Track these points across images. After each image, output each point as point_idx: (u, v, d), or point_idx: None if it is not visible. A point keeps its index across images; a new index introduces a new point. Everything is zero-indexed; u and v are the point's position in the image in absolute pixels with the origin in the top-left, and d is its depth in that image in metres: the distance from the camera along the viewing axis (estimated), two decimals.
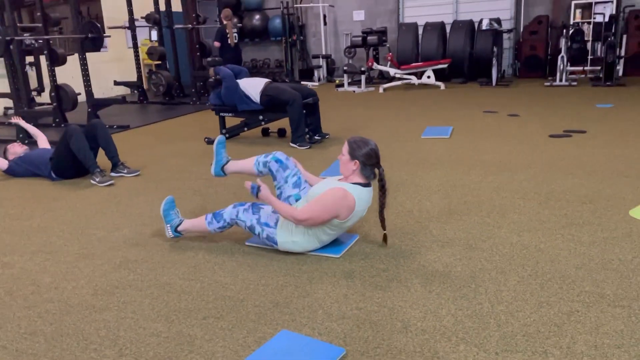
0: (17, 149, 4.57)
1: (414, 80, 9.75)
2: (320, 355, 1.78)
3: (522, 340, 1.82)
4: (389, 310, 2.06)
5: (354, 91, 9.78)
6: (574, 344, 1.78)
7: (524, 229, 2.81)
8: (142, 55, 9.84)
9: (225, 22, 8.57)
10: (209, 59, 5.64)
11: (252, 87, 5.27)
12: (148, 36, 10.46)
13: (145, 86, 9.44)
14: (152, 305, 2.20)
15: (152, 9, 9.14)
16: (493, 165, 4.09)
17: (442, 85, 9.51)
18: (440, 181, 3.77)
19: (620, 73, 9.17)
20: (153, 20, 9.01)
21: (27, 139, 5.80)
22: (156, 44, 9.68)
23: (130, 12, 8.90)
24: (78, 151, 4.13)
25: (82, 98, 6.89)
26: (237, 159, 3.03)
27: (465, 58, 10.07)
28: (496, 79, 9.44)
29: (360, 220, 2.91)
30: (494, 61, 9.42)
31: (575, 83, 8.86)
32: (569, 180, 3.62)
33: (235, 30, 8.77)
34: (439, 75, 9.77)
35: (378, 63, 10.91)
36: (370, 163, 2.52)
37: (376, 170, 2.55)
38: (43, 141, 4.74)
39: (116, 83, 9.60)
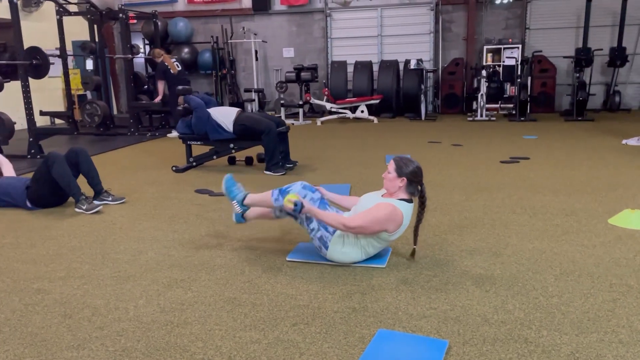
0: None
1: (349, 114, 10.23)
2: (430, 348, 1.93)
3: (589, 323, 2.10)
4: (462, 308, 2.27)
5: (293, 124, 10.04)
6: (631, 323, 2.09)
7: (532, 237, 3.16)
8: (75, 84, 9.42)
9: (161, 57, 8.50)
10: (180, 87, 5.61)
11: (224, 116, 5.33)
12: (81, 65, 10.05)
13: (76, 116, 9.01)
14: (232, 317, 2.22)
15: (85, 38, 8.83)
16: (469, 187, 4.49)
17: (375, 119, 10.07)
18: (430, 202, 4.07)
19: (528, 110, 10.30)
20: (89, 49, 8.70)
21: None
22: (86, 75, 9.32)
23: (62, 40, 8.54)
24: (61, 178, 3.94)
25: (18, 126, 6.49)
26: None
27: (393, 95, 10.76)
28: (424, 113, 10.18)
29: None
30: (422, 97, 10.17)
31: (494, 118, 9.81)
32: (541, 197, 4.09)
33: (174, 59, 8.76)
34: (369, 110, 10.35)
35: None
36: (415, 180, 2.74)
37: (419, 187, 2.78)
38: (9, 169, 4.44)
39: (42, 113, 9.05)
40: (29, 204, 4.05)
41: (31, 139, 6.49)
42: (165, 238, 3.31)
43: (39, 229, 3.57)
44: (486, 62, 11.26)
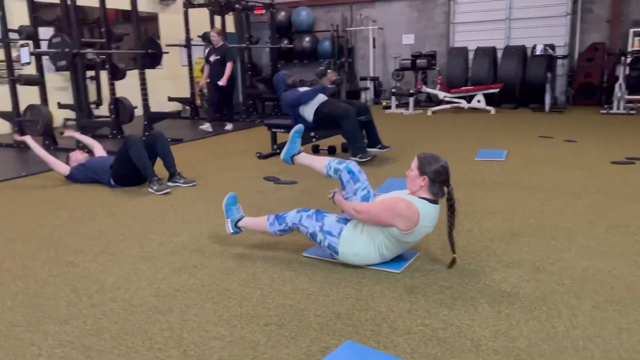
0: (78, 156, 4.71)
1: (464, 104, 9.64)
2: None
3: None
4: (457, 328, 1.99)
5: (402, 113, 9.75)
6: None
7: (594, 254, 2.68)
8: (197, 73, 10.10)
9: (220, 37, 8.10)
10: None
11: (308, 106, 5.28)
12: (202, 55, 10.73)
13: (197, 103, 9.67)
14: (214, 310, 2.19)
15: (208, 29, 9.39)
16: (554, 190, 3.96)
17: (492, 109, 9.36)
18: (499, 203, 3.67)
19: None
20: (208, 39, 9.24)
21: (86, 147, 5.98)
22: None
23: (187, 31, 9.19)
24: (137, 160, 4.23)
25: (138, 111, 7.12)
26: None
27: (517, 83, 9.90)
28: (549, 105, 9.23)
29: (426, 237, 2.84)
30: (547, 87, 9.21)
31: (633, 112, 8.56)
32: (635, 208, 3.45)
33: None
34: (489, 100, 9.62)
35: (426, 86, 10.86)
36: (439, 180, 2.47)
37: (445, 189, 2.50)
38: (99, 150, 4.86)
39: (170, 99, 9.87)
40: (112, 182, 4.42)
41: (145, 122, 7.10)
42: (207, 222, 3.39)
43: (108, 205, 3.88)
44: (632, 46, 9.84)
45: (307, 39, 12.57)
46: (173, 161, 4.47)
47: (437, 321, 2.05)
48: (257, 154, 5.63)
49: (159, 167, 4.44)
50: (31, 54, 6.04)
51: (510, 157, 5.28)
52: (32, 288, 2.46)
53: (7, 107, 6.50)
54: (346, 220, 2.65)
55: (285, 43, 12.05)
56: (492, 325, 2.01)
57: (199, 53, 10.81)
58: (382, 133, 5.63)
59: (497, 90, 9.49)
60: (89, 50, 7.10)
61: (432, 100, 11.18)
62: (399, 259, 2.63)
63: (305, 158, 2.96)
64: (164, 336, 1.99)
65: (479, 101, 9.53)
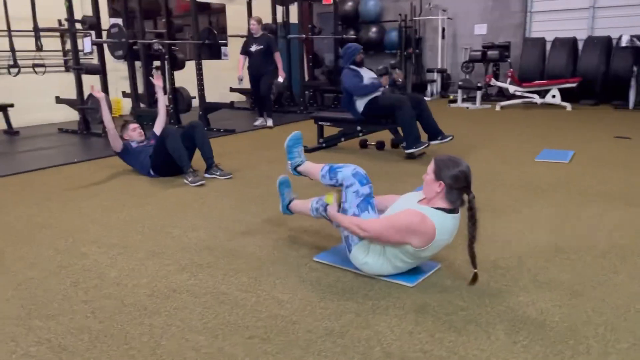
0: (134, 134, 4.57)
1: (536, 99, 8.98)
2: None
3: None
4: (460, 359, 1.73)
5: (468, 108, 9.24)
6: None
7: None
8: None
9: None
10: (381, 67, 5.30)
11: (362, 99, 5.05)
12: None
13: None
14: (202, 315, 2.06)
15: (270, 20, 9.35)
16: (618, 199, 3.50)
17: (568, 105, 8.65)
18: (550, 211, 3.28)
19: None
20: (269, 30, 9.20)
21: (151, 121, 5.91)
22: None
23: (248, 22, 9.17)
24: (173, 151, 4.20)
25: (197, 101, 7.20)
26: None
27: (599, 78, 9.08)
28: (634, 102, 8.39)
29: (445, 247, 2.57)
30: (633, 82, 8.37)
31: None
32: None
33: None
34: (566, 95, 8.89)
35: (497, 79, 10.24)
36: (457, 187, 2.18)
37: (465, 197, 2.22)
38: (160, 122, 4.71)
39: (232, 90, 9.95)
40: (151, 172, 4.43)
41: (200, 112, 7.15)
42: (228, 218, 3.28)
43: (140, 195, 3.88)
44: None
45: (374, 29, 12.26)
46: (211, 152, 4.41)
47: (440, 348, 1.79)
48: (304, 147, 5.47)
49: (200, 158, 4.40)
50: (93, 43, 6.23)
51: (576, 159, 4.79)
52: (36, 279, 2.44)
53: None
54: None
55: (351, 34, 11.80)
56: (504, 358, 1.73)
57: None
58: (442, 129, 5.29)
59: (574, 84, 8.75)
60: (142, 40, 7.22)
61: (504, 95, 10.53)
62: (415, 270, 2.38)
63: (305, 165, 2.82)
64: (141, 341, 1.88)
65: (553, 96, 8.84)
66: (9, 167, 4.92)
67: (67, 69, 7.92)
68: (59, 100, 7.20)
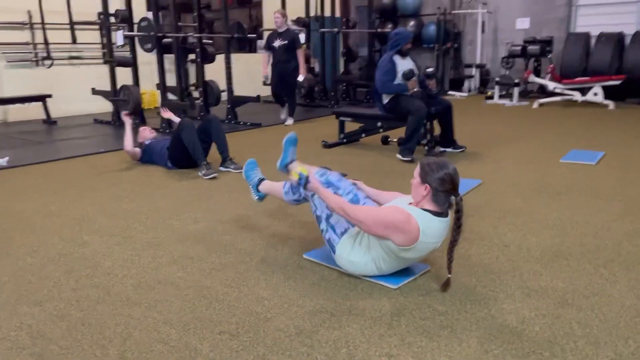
0: (146, 134, 4.83)
1: (577, 96, 8.62)
2: None
3: None
4: None
5: (504, 104, 8.97)
6: None
7: None
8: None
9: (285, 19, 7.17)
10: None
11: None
12: (303, 40, 10.71)
13: None
14: (180, 308, 2.09)
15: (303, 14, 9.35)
16: (637, 205, 3.32)
17: (611, 104, 8.26)
18: (562, 214, 3.15)
19: None
20: (302, 23, 9.21)
21: (169, 128, 6.18)
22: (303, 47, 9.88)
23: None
24: (188, 143, 4.27)
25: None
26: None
27: None
28: None
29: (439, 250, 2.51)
30: None
31: None
32: None
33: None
34: (611, 93, 8.48)
35: (538, 75, 9.89)
36: (443, 189, 2.12)
37: (452, 199, 2.16)
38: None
39: (265, 84, 10.00)
40: (169, 164, 4.52)
41: (229, 106, 7.24)
42: (230, 212, 3.31)
43: (153, 186, 3.96)
44: None
45: (412, 22, 12.05)
46: (226, 146, 4.46)
47: (407, 353, 1.75)
48: (323, 143, 5.46)
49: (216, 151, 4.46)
50: (125, 36, 6.40)
51: (604, 161, 4.57)
52: (35, 265, 2.54)
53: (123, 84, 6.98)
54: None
55: (389, 27, 11.65)
56: None
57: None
58: (474, 125, 5.18)
59: (618, 82, 8.34)
60: (171, 34, 7.34)
61: (545, 92, 10.17)
62: (402, 272, 2.33)
63: (269, 185, 2.85)
64: (115, 332, 1.92)
65: (595, 94, 8.46)
66: (39, 155, 5.13)
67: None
68: (94, 91, 7.44)
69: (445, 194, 2.13)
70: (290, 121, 7.16)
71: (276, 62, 7.06)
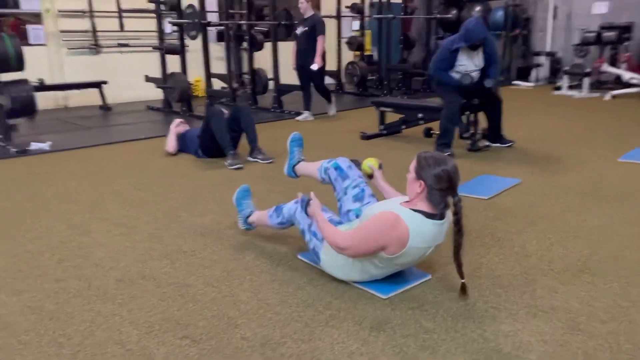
0: (180, 128, 4.78)
1: None
2: None
3: None
4: None
5: (572, 96, 8.31)
6: None
7: None
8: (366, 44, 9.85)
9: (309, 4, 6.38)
10: None
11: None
12: (357, 27, 10.45)
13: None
14: (152, 307, 2.00)
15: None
16: None
17: None
18: (602, 222, 2.79)
19: None
20: (357, 9, 8.95)
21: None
22: (357, 34, 9.63)
23: (338, 2, 8.97)
24: (216, 131, 4.22)
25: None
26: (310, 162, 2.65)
27: None
28: None
29: (439, 257, 2.27)
30: None
31: None
32: None
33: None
34: None
35: (614, 65, 9.07)
36: (439, 188, 1.89)
37: (450, 200, 1.92)
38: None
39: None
40: (199, 152, 4.49)
41: (275, 94, 7.15)
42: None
43: (176, 175, 3.93)
44: None
45: (478, 8, 11.41)
46: (255, 136, 4.36)
47: None
48: (361, 134, 5.24)
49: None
50: (172, 24, 6.45)
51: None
52: (33, 252, 2.54)
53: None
54: (338, 223, 2.23)
55: (453, 13, 11.12)
56: None
57: (350, 25, 10.54)
58: (530, 117, 4.78)
59: None
60: (216, 22, 7.32)
61: (621, 82, 9.32)
62: (397, 280, 2.12)
63: (304, 166, 2.68)
64: (78, 329, 1.86)
65: None
66: (81, 140, 5.26)
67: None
68: (147, 78, 7.59)
69: (441, 193, 1.90)
70: (332, 111, 6.74)
71: (297, 50, 6.43)
